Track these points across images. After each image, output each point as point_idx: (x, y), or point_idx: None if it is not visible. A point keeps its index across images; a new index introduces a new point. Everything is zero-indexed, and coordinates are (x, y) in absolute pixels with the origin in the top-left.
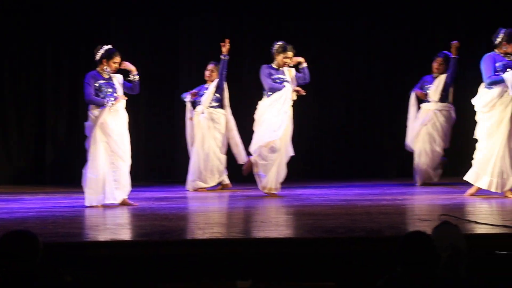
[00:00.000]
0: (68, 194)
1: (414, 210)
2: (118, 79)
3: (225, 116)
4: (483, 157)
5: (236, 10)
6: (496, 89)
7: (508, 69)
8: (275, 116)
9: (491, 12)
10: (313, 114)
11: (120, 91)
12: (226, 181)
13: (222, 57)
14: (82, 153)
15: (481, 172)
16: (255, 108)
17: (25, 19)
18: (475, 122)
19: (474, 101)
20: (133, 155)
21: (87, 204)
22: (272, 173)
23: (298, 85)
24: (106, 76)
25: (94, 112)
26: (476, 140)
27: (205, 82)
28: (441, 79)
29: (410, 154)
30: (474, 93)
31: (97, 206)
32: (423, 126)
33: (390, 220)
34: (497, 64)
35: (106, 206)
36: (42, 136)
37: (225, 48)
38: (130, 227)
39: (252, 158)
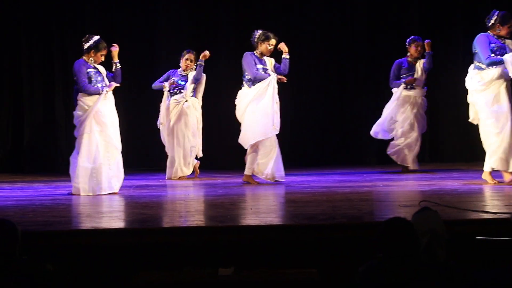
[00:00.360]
0: (47, 183)
1: (394, 196)
2: (101, 68)
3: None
4: (500, 141)
5: None
6: (496, 70)
7: (502, 51)
8: (266, 107)
9: None
10: (293, 101)
11: (106, 79)
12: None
13: (199, 62)
14: (60, 140)
15: (509, 155)
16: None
17: None
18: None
19: (467, 81)
20: None
21: (79, 193)
22: (273, 162)
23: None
24: (92, 64)
25: (85, 100)
26: (471, 124)
27: (174, 67)
28: (420, 64)
29: (390, 141)
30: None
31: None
32: (408, 112)
33: (371, 206)
34: (491, 45)
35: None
36: (19, 124)
37: (205, 57)
38: (111, 216)
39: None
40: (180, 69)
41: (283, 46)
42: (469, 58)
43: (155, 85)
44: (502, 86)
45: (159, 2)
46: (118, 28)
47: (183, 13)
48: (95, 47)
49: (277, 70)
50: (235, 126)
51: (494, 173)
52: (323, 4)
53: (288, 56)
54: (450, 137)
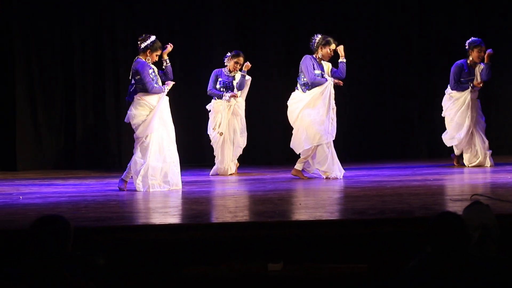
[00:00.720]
0: (99, 179)
1: (445, 190)
2: (154, 67)
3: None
4: None
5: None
6: None
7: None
8: (322, 114)
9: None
10: (342, 96)
11: (159, 78)
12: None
13: (242, 73)
14: (111, 138)
15: None
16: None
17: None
18: None
19: None
20: None
21: (149, 190)
22: (331, 159)
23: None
24: (151, 65)
25: (149, 100)
26: None
27: (219, 66)
28: (479, 69)
29: (440, 135)
30: None
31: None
32: (473, 114)
33: (421, 201)
34: None
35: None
36: (72, 124)
37: (247, 68)
38: (161, 212)
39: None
40: (226, 69)
41: (340, 50)
42: None
43: (214, 92)
44: None
45: (206, 4)
46: (167, 28)
47: (230, 14)
48: (152, 46)
49: (334, 75)
50: (280, 123)
51: None
52: (375, 9)
53: (345, 60)
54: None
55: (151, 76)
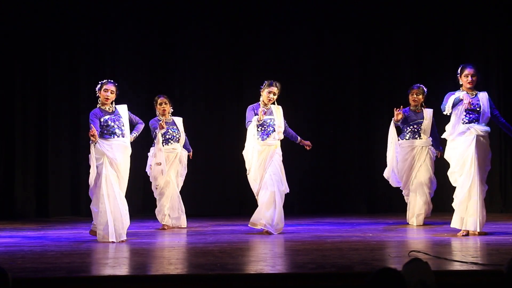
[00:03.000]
0: (37, 229)
1: (384, 246)
2: (123, 109)
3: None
4: None
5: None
6: None
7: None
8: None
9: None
10: (284, 150)
11: (126, 123)
12: None
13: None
14: (52, 187)
15: None
16: None
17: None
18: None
19: None
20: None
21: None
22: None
23: None
24: (109, 110)
25: (102, 143)
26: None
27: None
28: (427, 113)
29: (380, 190)
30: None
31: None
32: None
33: (361, 256)
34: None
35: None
36: (10, 169)
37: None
38: (101, 263)
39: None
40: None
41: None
42: None
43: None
44: None
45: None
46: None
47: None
48: (100, 87)
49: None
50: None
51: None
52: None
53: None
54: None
55: (102, 121)
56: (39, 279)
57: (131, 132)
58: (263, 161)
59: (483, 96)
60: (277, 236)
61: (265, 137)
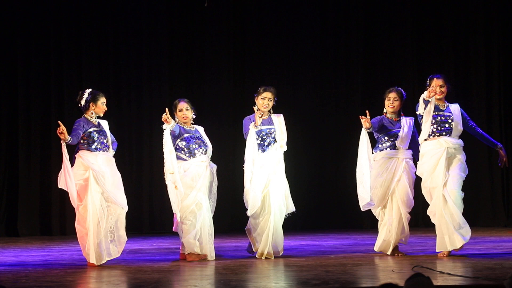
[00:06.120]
0: (41, 247)
1: (387, 261)
2: (105, 124)
3: None
4: None
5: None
6: None
7: None
8: None
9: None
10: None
11: (109, 138)
12: None
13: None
14: (54, 205)
15: None
16: None
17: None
18: None
19: None
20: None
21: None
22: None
23: None
24: (95, 122)
25: (86, 156)
26: None
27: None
28: (404, 123)
29: None
30: None
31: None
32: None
33: (364, 272)
34: None
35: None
36: (14, 187)
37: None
38: (103, 281)
39: None
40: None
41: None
42: None
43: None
44: None
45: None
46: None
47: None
48: (93, 98)
49: None
50: None
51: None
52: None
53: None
54: None
55: (87, 134)
56: None
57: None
58: (265, 175)
59: (455, 108)
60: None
61: (265, 148)
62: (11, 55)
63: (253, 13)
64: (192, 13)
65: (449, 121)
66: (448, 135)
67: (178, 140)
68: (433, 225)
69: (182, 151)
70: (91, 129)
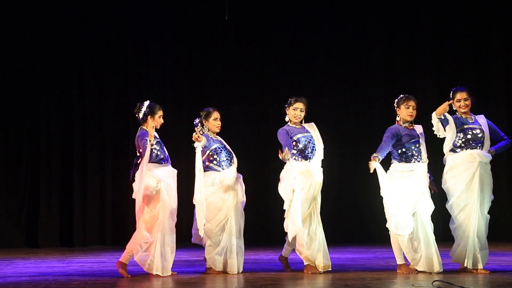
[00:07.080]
0: (61, 258)
1: (407, 276)
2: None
3: None
4: None
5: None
6: None
7: None
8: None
9: None
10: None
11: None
12: None
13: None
14: (75, 216)
15: None
16: None
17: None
18: None
19: None
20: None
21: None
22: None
23: None
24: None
25: (155, 171)
26: None
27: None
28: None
29: None
30: None
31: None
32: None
33: (384, 285)
34: None
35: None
36: (36, 198)
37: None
38: None
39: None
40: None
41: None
42: None
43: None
44: None
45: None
46: None
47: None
48: (150, 111)
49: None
50: None
51: None
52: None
53: None
54: None
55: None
56: None
57: None
58: (310, 188)
59: (483, 121)
60: (299, 264)
61: (311, 156)
62: (31, 71)
63: (272, 27)
64: (216, 26)
65: (480, 134)
66: (479, 148)
67: (209, 151)
68: (452, 239)
69: (214, 162)
70: (154, 141)
